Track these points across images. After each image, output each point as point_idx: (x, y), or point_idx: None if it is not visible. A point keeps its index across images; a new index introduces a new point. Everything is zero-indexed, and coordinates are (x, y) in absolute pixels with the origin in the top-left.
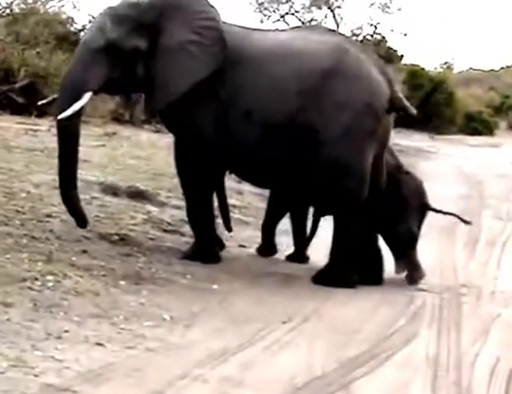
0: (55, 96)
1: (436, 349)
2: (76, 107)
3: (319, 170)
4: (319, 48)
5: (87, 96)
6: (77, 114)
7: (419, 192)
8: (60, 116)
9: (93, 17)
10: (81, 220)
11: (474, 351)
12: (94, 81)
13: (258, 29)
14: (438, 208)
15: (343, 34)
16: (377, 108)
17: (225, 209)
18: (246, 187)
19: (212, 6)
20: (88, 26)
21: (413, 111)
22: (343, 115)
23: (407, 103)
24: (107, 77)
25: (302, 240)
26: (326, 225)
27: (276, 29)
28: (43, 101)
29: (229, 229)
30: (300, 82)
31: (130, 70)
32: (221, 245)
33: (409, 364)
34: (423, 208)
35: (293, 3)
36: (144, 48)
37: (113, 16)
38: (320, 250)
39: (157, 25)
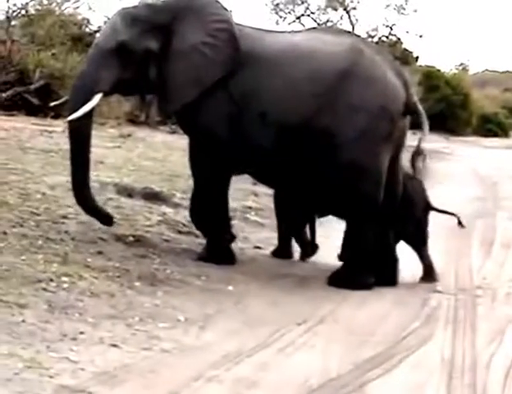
0: (67, 97)
1: (451, 350)
2: (87, 108)
3: (334, 172)
4: (334, 49)
5: (97, 97)
6: (88, 115)
7: (423, 193)
8: (70, 117)
9: (108, 18)
10: (102, 218)
11: (489, 353)
12: (105, 82)
13: (272, 31)
14: (448, 209)
15: (358, 35)
16: (393, 111)
17: None
18: (262, 189)
19: (225, 9)
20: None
21: (426, 127)
22: (358, 117)
23: (423, 114)
24: (118, 78)
25: (306, 241)
26: (342, 227)
27: (291, 31)
28: (55, 102)
29: None
30: (315, 84)
31: (142, 71)
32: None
33: (424, 366)
34: (427, 208)
35: (309, 5)
36: (157, 50)
37: (126, 18)
38: (335, 252)
39: (170, 27)
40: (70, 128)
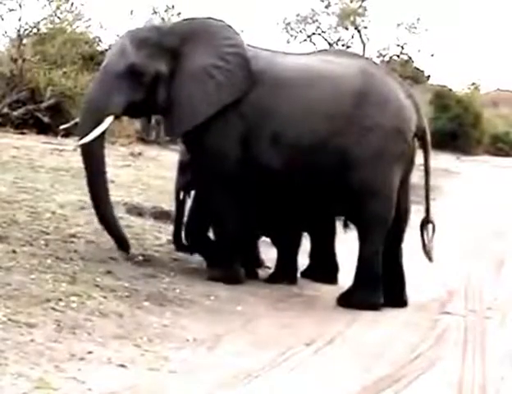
0: (77, 120)
1: (460, 372)
2: (98, 131)
3: (347, 192)
4: (346, 71)
5: (109, 120)
6: (100, 135)
7: None
8: (82, 141)
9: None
10: (120, 242)
11: (499, 375)
12: (116, 105)
13: (283, 53)
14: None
15: (367, 58)
16: (406, 132)
17: None
18: None
19: (237, 33)
20: (108, 50)
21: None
22: (373, 138)
23: (428, 136)
24: (128, 101)
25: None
26: (353, 247)
27: (301, 53)
28: (65, 126)
29: None
30: (329, 106)
31: (151, 93)
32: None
33: (433, 388)
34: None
35: (320, 23)
36: (166, 72)
37: (134, 40)
38: (345, 272)
39: (180, 50)
40: (83, 151)
